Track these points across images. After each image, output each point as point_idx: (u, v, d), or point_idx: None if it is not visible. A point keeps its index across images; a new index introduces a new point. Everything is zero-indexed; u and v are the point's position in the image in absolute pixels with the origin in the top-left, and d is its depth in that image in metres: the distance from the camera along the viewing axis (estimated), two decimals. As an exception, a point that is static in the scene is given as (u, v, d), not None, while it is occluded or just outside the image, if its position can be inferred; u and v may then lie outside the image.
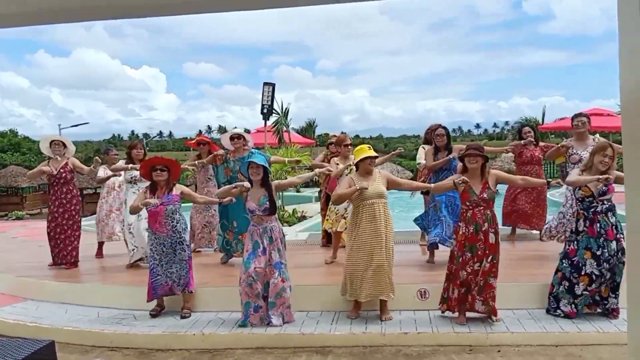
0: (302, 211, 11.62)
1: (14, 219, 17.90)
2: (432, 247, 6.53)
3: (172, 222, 5.29)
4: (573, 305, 4.99)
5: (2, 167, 25.04)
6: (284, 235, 5.24)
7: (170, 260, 5.31)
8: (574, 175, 5.04)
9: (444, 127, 6.58)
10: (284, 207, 11.71)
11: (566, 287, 5.00)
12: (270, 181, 5.21)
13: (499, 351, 4.56)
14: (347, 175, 5.97)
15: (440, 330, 4.84)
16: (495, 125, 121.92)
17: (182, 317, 5.38)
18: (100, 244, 7.76)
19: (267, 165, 5.17)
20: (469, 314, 5.03)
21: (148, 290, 5.37)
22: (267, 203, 5.02)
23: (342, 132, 7.45)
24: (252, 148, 6.98)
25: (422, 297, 5.44)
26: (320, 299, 5.52)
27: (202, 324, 5.21)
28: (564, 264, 5.03)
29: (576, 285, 4.96)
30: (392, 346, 4.73)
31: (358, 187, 4.95)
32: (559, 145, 6.82)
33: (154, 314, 5.45)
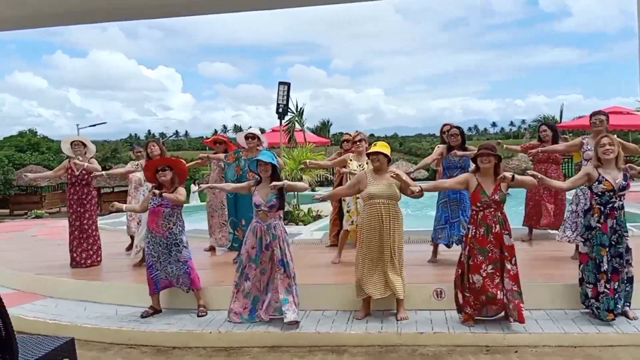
0: (318, 210, 11.62)
1: (33, 218, 18.19)
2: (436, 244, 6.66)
3: (169, 224, 5.33)
4: (593, 306, 4.92)
5: (22, 166, 25.42)
6: (287, 233, 5.28)
7: (166, 259, 5.38)
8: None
9: (458, 127, 6.51)
10: (299, 206, 11.72)
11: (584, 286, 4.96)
12: (280, 178, 5.25)
13: (516, 352, 4.53)
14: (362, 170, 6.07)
15: (456, 331, 4.82)
16: (512, 124, 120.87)
17: (199, 316, 5.42)
18: (132, 238, 7.76)
19: (275, 162, 5.21)
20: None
21: (149, 283, 5.44)
22: (274, 200, 5.08)
23: (355, 131, 7.44)
24: (265, 149, 7.00)
25: (438, 297, 5.42)
26: (335, 298, 5.53)
27: (219, 322, 5.24)
28: (589, 265, 4.94)
29: (598, 283, 4.87)
30: (408, 346, 4.71)
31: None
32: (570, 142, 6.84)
33: (145, 316, 5.44)
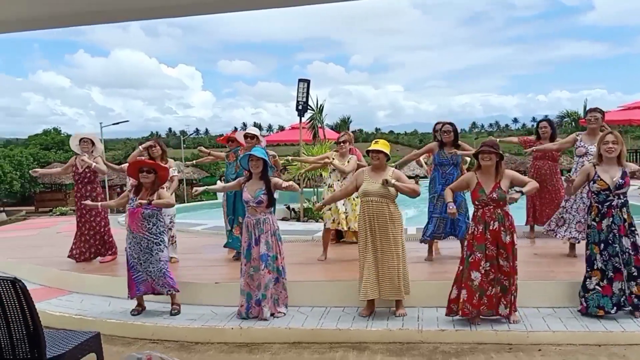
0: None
1: (58, 215, 18.51)
2: (426, 242, 6.62)
3: (148, 224, 5.30)
4: (583, 300, 4.94)
5: (47, 164, 25.90)
6: (277, 228, 5.32)
7: (148, 259, 5.33)
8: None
9: (451, 124, 6.48)
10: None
11: (582, 281, 4.98)
12: (269, 176, 5.30)
13: (539, 350, 4.48)
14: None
15: (478, 328, 4.78)
16: (534, 120, 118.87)
17: (172, 314, 5.42)
18: None
19: (267, 158, 5.25)
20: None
21: (129, 286, 5.41)
22: (262, 196, 5.13)
23: (354, 131, 7.51)
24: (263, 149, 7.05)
25: (459, 294, 5.37)
26: (356, 295, 5.52)
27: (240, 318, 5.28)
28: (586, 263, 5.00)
29: (588, 280, 4.92)
30: (429, 343, 4.70)
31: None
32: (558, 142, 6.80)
33: (135, 314, 5.47)
